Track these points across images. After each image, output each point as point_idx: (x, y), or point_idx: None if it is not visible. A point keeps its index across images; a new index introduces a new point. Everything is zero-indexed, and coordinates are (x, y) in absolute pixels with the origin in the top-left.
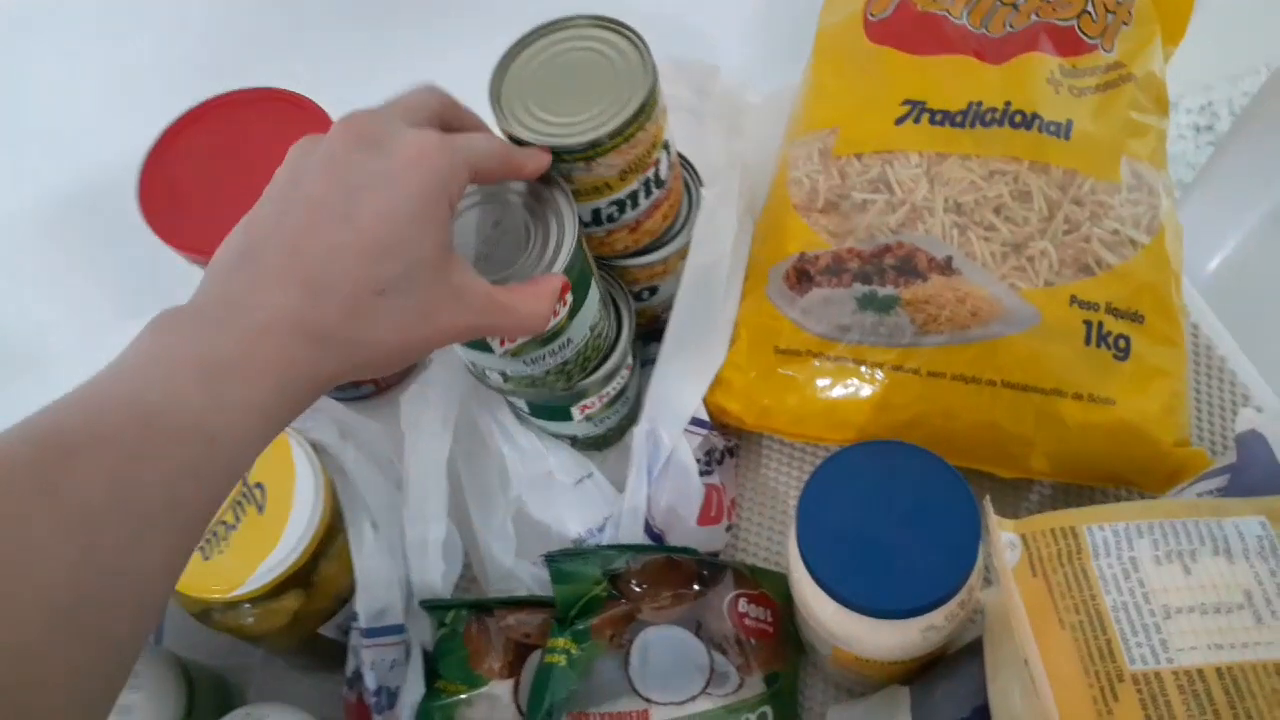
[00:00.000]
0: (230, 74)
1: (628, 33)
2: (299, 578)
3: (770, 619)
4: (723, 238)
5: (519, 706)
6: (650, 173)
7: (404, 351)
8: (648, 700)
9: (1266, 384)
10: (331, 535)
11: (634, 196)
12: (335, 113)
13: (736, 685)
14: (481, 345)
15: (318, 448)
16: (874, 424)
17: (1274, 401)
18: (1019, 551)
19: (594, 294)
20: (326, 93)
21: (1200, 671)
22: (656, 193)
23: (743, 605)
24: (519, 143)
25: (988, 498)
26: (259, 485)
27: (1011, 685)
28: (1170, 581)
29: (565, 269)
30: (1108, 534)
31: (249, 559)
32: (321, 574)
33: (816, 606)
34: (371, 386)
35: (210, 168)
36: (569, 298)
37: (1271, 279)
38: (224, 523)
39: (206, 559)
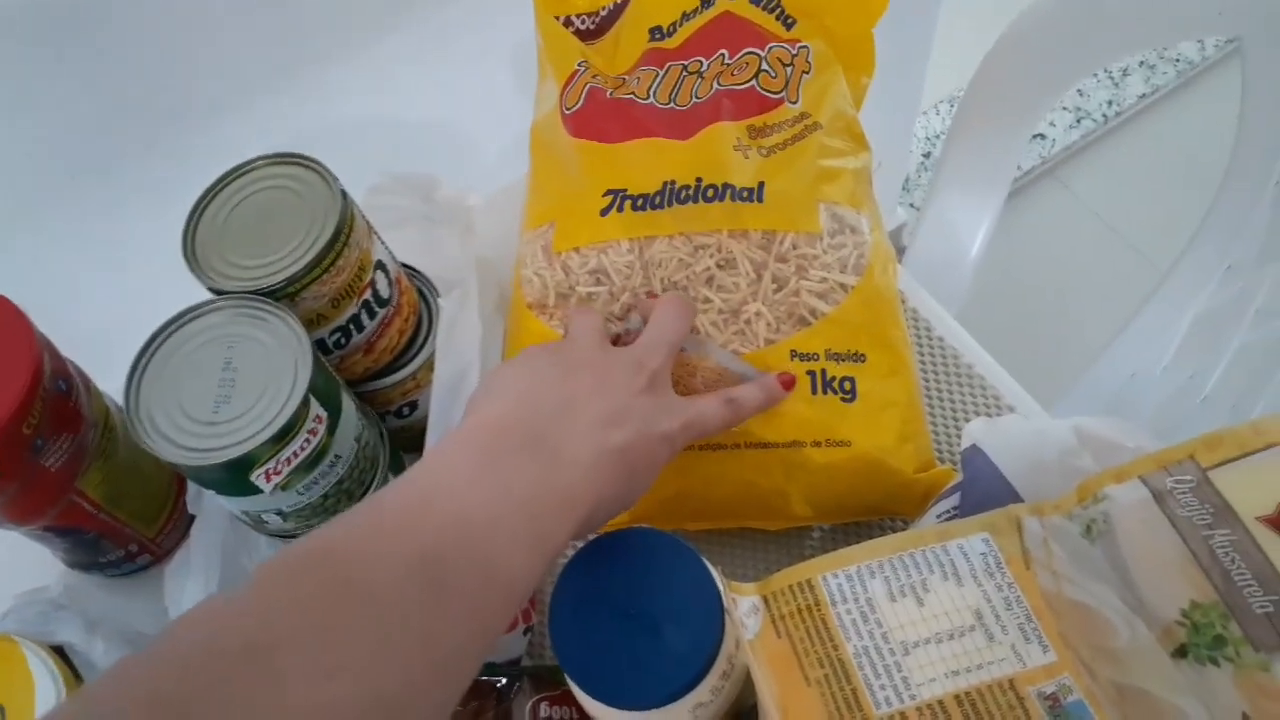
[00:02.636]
0: None
1: (312, 165)
2: None
3: (575, 716)
4: (467, 343)
5: None
6: (368, 294)
7: (673, 450)
8: None
9: (1017, 383)
10: None
11: (356, 320)
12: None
13: None
14: (249, 489)
15: (63, 650)
16: (644, 506)
17: (1025, 399)
18: (761, 615)
19: (348, 405)
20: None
21: (941, 702)
22: (381, 312)
23: (544, 709)
24: (219, 293)
25: (719, 572)
26: None
27: None
28: (906, 616)
29: (307, 390)
30: (841, 580)
31: None
32: None
33: (591, 707)
34: (148, 558)
35: None
36: (322, 429)
37: (1020, 258)
38: None
39: None
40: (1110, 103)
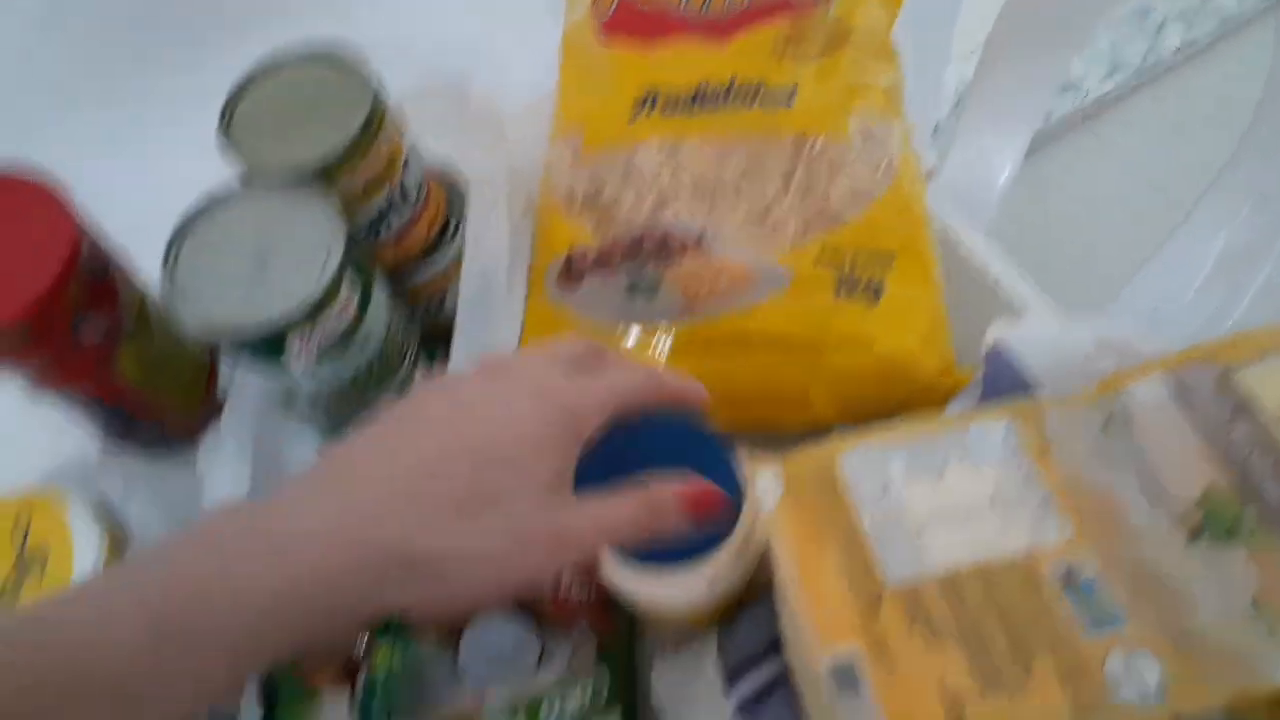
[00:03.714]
0: None
1: (346, 58)
2: None
3: (595, 591)
4: (495, 241)
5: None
6: (398, 186)
7: (479, 590)
8: (482, 690)
9: (1043, 301)
10: None
11: (386, 211)
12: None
13: (567, 659)
14: (282, 365)
15: (100, 505)
16: None
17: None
18: (780, 489)
19: (380, 290)
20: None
21: (956, 574)
22: (411, 204)
23: (565, 581)
24: (255, 177)
25: (743, 445)
26: (39, 551)
27: (791, 619)
28: (923, 494)
29: (340, 265)
30: (860, 458)
31: None
32: None
33: (610, 570)
34: (179, 441)
35: None
36: (354, 306)
37: (1047, 206)
38: (6, 591)
39: None
40: (1147, 53)
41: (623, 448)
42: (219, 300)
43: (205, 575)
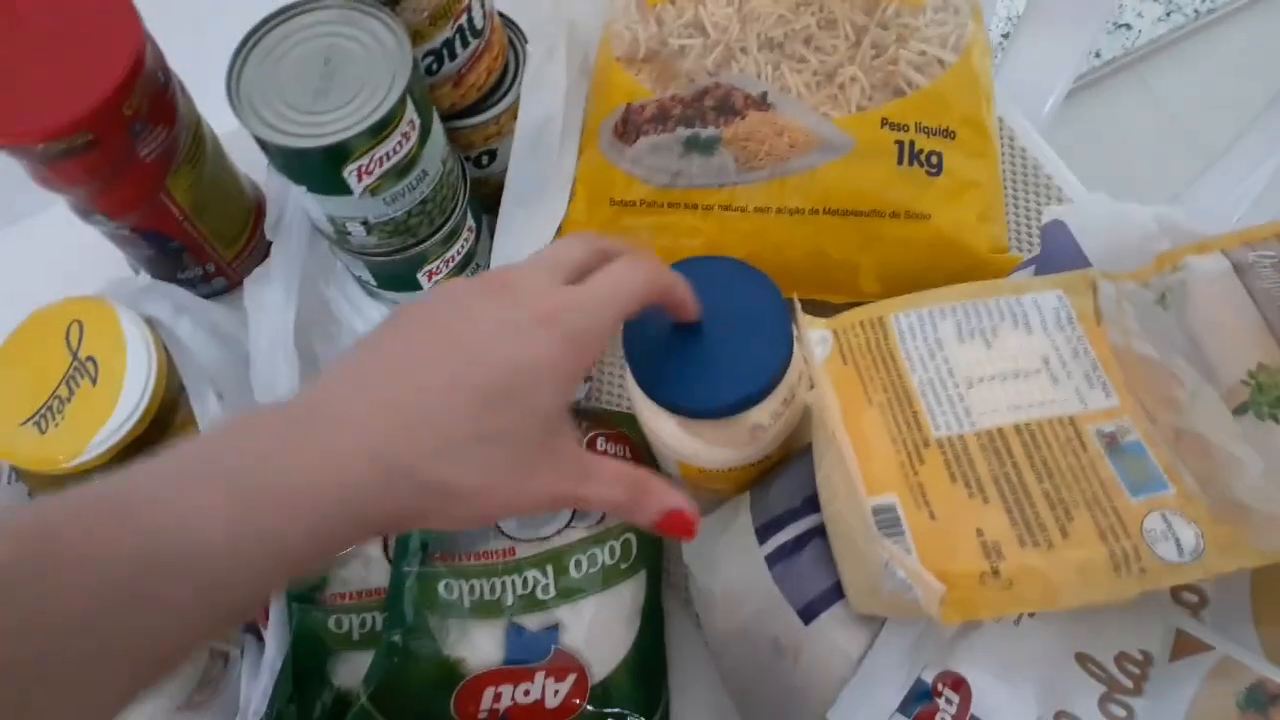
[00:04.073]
0: None
1: None
2: (144, 446)
3: (627, 454)
4: (552, 94)
5: (390, 561)
6: (462, 19)
7: (485, 510)
8: (513, 539)
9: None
10: (173, 404)
11: (449, 45)
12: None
13: (599, 516)
14: (341, 189)
15: (151, 321)
16: None
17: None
18: (830, 345)
19: (438, 126)
20: None
21: (1000, 431)
22: (473, 42)
23: (600, 443)
24: None
25: (796, 297)
26: (90, 359)
27: (833, 469)
28: (972, 356)
29: (405, 89)
30: (913, 319)
31: (86, 429)
32: (171, 439)
33: (655, 424)
34: (224, 281)
35: None
36: (415, 136)
37: (1089, 147)
38: (58, 397)
39: (43, 433)
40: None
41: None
42: (283, 114)
43: (272, 450)
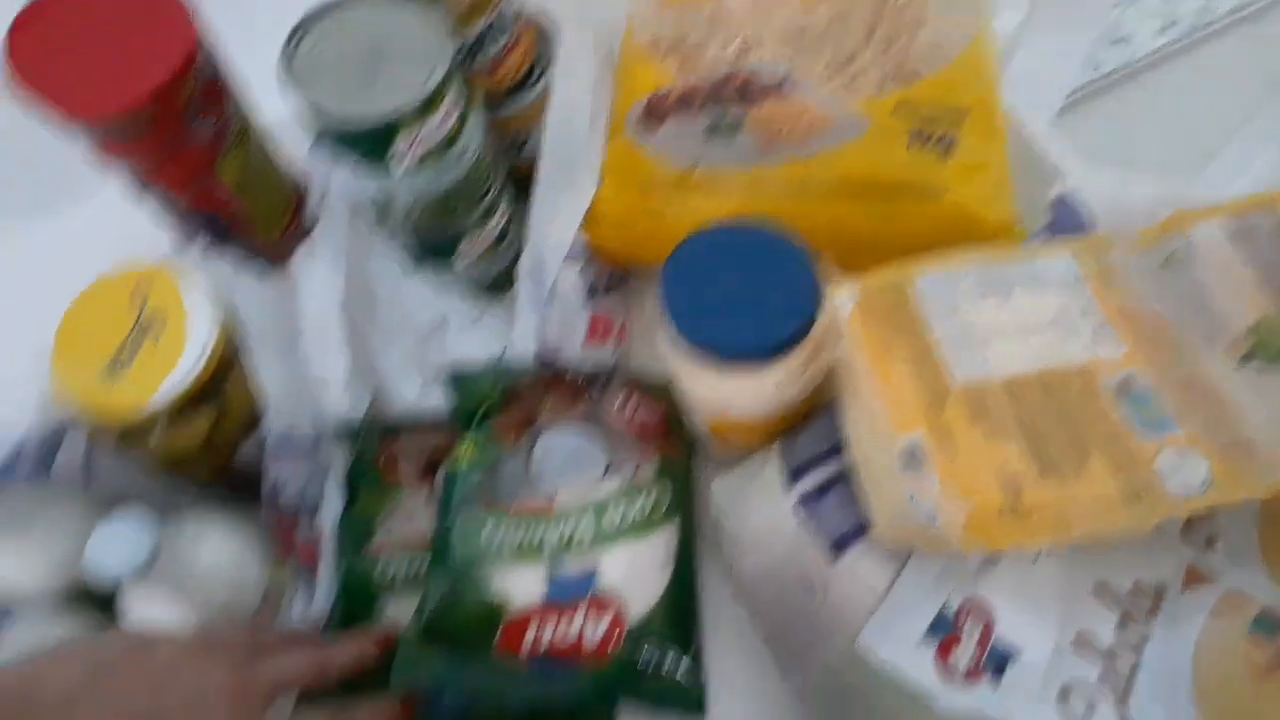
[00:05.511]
0: None
1: None
2: (206, 396)
3: (661, 415)
4: (580, 82)
5: (433, 510)
6: (496, 12)
7: None
8: (552, 490)
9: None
10: (233, 356)
11: (484, 37)
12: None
13: (633, 470)
14: (387, 164)
15: (213, 286)
16: None
17: None
18: (854, 304)
19: (478, 108)
20: None
21: (1018, 378)
22: (506, 34)
23: (634, 405)
24: None
25: (824, 257)
26: (155, 319)
27: (860, 415)
28: (990, 313)
29: (450, 67)
30: (933, 280)
31: (153, 379)
32: (229, 395)
33: (690, 378)
34: (265, 262)
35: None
36: (457, 113)
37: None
38: (125, 353)
39: (111, 387)
40: (1203, 9)
41: (713, 251)
42: (333, 91)
43: None
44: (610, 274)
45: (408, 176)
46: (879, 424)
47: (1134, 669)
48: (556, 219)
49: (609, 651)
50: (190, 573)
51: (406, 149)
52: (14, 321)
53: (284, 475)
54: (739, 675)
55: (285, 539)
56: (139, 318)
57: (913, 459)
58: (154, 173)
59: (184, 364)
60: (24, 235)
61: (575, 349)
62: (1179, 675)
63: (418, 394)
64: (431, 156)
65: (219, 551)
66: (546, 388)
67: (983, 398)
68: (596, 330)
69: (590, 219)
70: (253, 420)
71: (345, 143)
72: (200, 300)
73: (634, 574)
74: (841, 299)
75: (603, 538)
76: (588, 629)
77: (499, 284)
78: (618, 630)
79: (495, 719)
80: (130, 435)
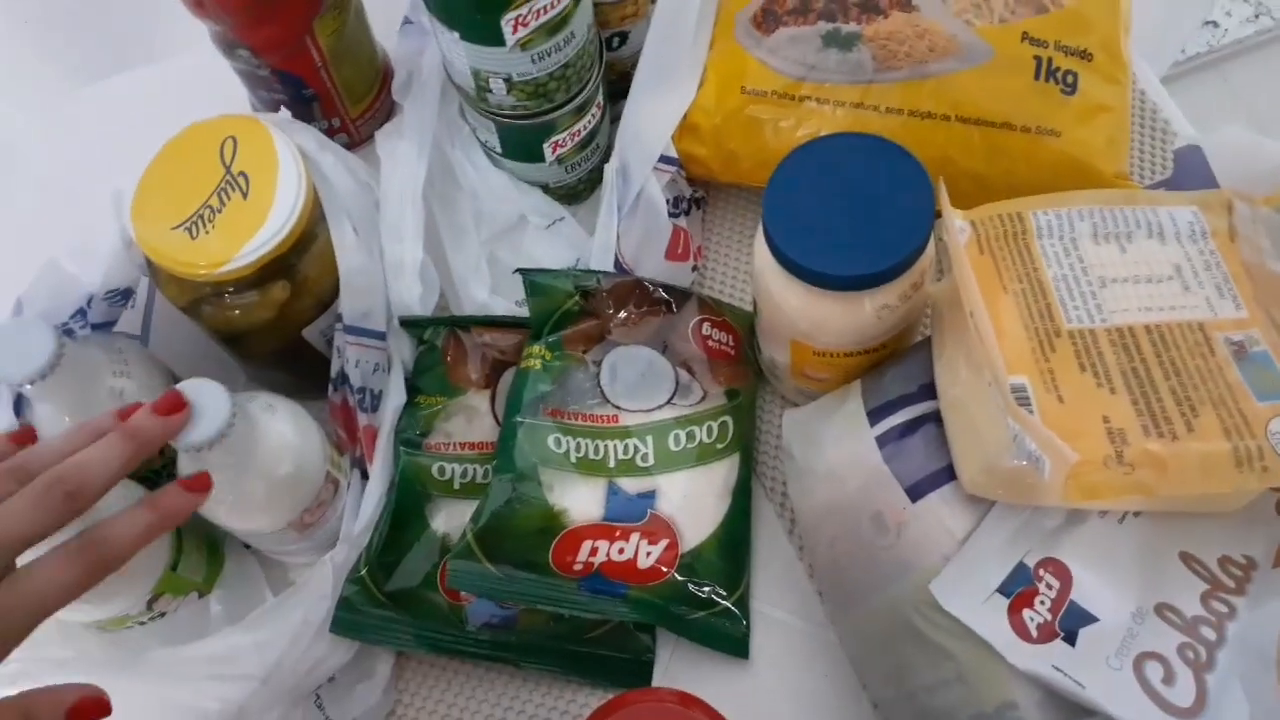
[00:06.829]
0: None
1: None
2: (283, 267)
3: (732, 343)
4: None
5: (495, 417)
6: None
7: None
8: (618, 407)
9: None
10: (314, 230)
11: None
12: None
13: (700, 397)
14: (495, 38)
15: (299, 149)
16: None
17: None
18: (968, 233)
19: None
20: None
21: (1130, 329)
22: None
23: (706, 329)
24: None
25: (941, 181)
26: (243, 174)
27: (957, 355)
28: (1107, 257)
29: None
30: (1051, 218)
31: (234, 239)
32: (305, 269)
33: (781, 295)
34: (345, 138)
35: None
36: None
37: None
38: (209, 207)
39: (194, 239)
40: None
41: (824, 166)
42: None
43: None
44: (693, 190)
45: (512, 54)
46: (985, 361)
47: (1216, 644)
48: (651, 123)
49: (661, 577)
50: (261, 444)
51: (516, 24)
52: (105, 170)
53: (351, 358)
54: (776, 623)
55: (348, 427)
56: (227, 171)
57: (1019, 399)
58: (249, 26)
59: (270, 225)
60: (116, 86)
61: (654, 263)
62: (1264, 653)
63: (487, 295)
64: (539, 36)
65: (287, 427)
66: (621, 301)
67: (1094, 344)
68: (677, 246)
69: (685, 125)
70: (327, 299)
71: (454, 10)
72: (291, 160)
73: (692, 502)
74: (956, 225)
75: (664, 461)
76: (641, 552)
77: (582, 188)
78: (670, 559)
79: (537, 633)
80: (200, 303)
